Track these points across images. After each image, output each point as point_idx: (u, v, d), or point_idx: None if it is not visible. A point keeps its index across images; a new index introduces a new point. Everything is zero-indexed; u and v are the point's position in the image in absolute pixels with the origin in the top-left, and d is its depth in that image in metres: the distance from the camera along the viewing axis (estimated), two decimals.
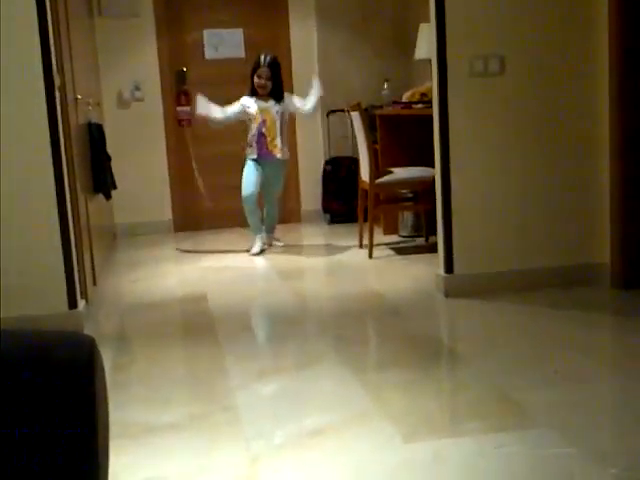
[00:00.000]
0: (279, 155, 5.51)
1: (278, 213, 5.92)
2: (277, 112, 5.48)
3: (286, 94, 5.59)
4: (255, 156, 5.52)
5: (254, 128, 5.49)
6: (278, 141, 5.49)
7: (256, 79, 5.49)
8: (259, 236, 5.65)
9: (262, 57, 5.48)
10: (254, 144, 5.51)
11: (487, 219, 4.08)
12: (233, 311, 4.13)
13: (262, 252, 5.58)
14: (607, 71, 3.96)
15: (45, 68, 3.61)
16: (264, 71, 5.47)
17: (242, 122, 5.63)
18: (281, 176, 5.71)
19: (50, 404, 1.12)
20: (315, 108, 5.65)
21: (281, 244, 5.86)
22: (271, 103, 5.51)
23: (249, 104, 5.54)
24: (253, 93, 5.54)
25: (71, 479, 1.12)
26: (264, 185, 5.60)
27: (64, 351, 1.17)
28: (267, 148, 5.50)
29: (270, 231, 5.84)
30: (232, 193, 6.02)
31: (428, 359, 3.19)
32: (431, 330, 3.70)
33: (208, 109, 5.54)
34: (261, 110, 5.49)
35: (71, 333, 1.24)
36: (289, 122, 5.85)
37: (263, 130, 5.48)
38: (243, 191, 5.53)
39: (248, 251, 5.61)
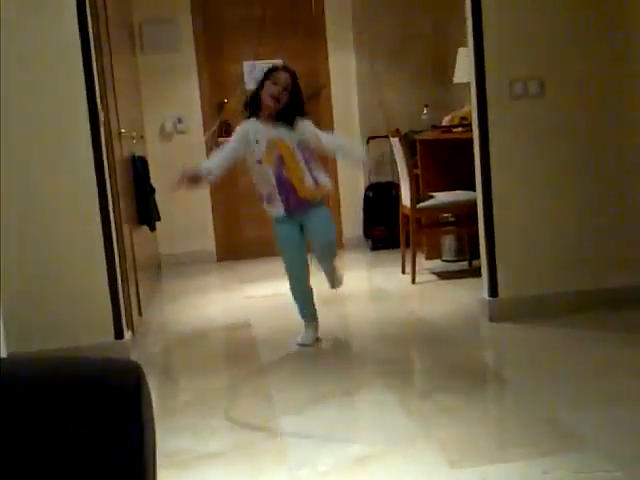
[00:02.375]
0: (319, 197, 3.77)
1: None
2: (294, 141, 3.65)
3: (300, 120, 3.70)
4: (283, 213, 3.73)
5: (268, 174, 3.66)
6: (308, 177, 3.68)
7: (269, 88, 3.64)
8: (311, 325, 4.00)
9: (274, 64, 3.90)
10: (276, 198, 3.70)
11: (531, 241, 4.03)
12: (276, 338, 4.14)
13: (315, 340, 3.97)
14: None
15: (90, 104, 3.70)
16: (283, 76, 3.66)
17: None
18: (327, 219, 3.85)
19: (98, 430, 1.13)
20: (345, 155, 4.09)
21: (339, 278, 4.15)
22: (283, 130, 3.66)
23: (254, 132, 3.67)
24: (254, 113, 3.72)
25: None
26: (313, 247, 3.87)
27: (111, 377, 1.19)
28: (297, 196, 3.68)
29: (334, 284, 4.15)
30: None
31: (474, 384, 3.16)
32: (476, 355, 3.66)
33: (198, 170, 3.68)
34: (273, 142, 3.64)
35: (118, 360, 1.26)
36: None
37: (284, 173, 3.65)
38: (290, 281, 3.92)
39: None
